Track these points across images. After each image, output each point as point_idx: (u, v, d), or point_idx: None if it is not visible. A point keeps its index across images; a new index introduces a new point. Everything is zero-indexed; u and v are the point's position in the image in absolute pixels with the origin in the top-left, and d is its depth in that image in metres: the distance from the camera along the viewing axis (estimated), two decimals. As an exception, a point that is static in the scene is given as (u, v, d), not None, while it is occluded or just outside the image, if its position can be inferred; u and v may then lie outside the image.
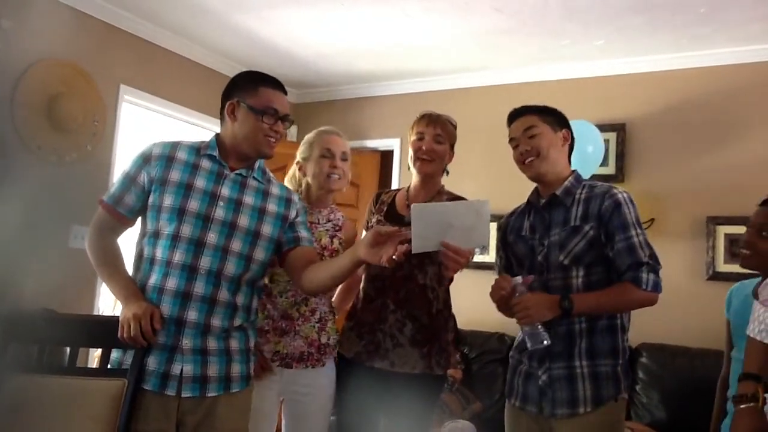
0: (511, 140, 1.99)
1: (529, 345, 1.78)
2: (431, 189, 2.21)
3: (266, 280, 2.11)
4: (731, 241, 3.41)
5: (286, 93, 1.90)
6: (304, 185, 2.28)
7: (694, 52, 3.62)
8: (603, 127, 3.72)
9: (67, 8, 3.32)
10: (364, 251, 1.66)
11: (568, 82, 3.99)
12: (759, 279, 2.09)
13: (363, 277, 2.24)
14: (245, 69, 1.99)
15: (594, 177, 3.46)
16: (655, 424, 3.17)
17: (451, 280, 2.10)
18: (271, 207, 1.89)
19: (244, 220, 1.82)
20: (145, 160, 1.82)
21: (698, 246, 3.54)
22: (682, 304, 3.33)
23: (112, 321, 1.74)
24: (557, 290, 1.84)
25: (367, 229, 2.30)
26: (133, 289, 1.76)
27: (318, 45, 3.96)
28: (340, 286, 2.30)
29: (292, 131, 4.37)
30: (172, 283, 1.73)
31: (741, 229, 2.33)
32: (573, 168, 2.01)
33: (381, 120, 4.66)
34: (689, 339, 3.32)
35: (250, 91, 1.83)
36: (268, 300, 2.14)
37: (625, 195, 1.86)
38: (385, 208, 2.26)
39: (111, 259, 1.83)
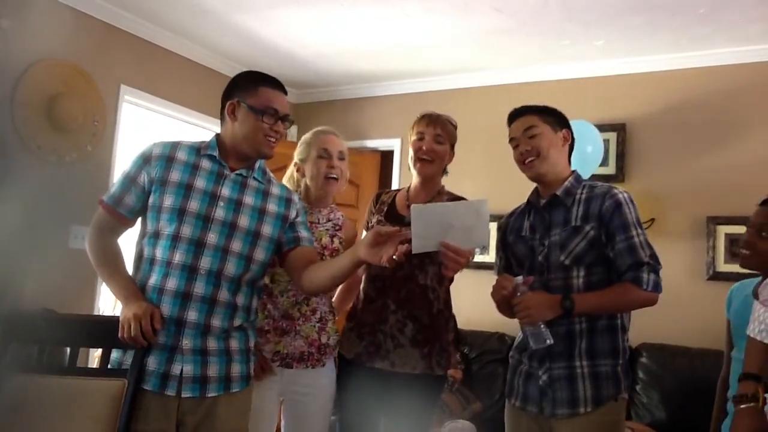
0: (511, 140, 1.99)
1: (532, 345, 1.78)
2: (431, 189, 2.21)
3: (267, 280, 2.11)
4: (731, 241, 3.41)
5: (286, 93, 1.90)
6: (302, 186, 2.28)
7: (694, 53, 3.63)
8: (603, 127, 3.72)
9: (67, 8, 3.32)
10: (364, 251, 1.66)
11: (568, 82, 3.99)
12: (759, 279, 2.09)
13: (363, 277, 2.24)
14: (245, 69, 1.99)
15: (594, 177, 3.46)
16: (655, 424, 3.18)
17: (452, 280, 2.11)
18: (272, 207, 1.89)
19: (244, 221, 1.82)
20: (145, 160, 1.82)
21: (698, 246, 3.54)
22: (683, 304, 3.33)
23: (112, 321, 1.74)
24: (558, 290, 1.84)
25: (367, 229, 2.30)
26: (133, 289, 1.76)
27: (318, 45, 3.96)
28: (339, 287, 2.30)
29: (292, 131, 4.37)
30: (172, 284, 1.73)
31: (741, 229, 2.33)
32: (572, 168, 2.01)
33: (381, 120, 4.65)
34: (689, 339, 3.32)
35: (250, 91, 1.83)
36: (269, 300, 2.14)
37: (625, 195, 1.86)
38: (385, 209, 2.26)
39: (111, 259, 1.83)
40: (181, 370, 1.72)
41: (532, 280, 1.83)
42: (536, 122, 1.94)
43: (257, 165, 1.91)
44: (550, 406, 1.84)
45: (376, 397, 2.11)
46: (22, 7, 3.10)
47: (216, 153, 1.85)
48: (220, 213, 1.79)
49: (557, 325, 1.82)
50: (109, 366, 1.77)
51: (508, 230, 2.06)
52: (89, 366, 2.58)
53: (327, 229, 2.25)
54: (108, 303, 4.27)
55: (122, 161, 3.33)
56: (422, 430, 2.10)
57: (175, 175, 1.79)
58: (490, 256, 3.34)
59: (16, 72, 3.11)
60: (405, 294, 2.11)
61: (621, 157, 3.79)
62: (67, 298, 3.08)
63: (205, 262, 1.75)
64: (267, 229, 1.86)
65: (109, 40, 3.57)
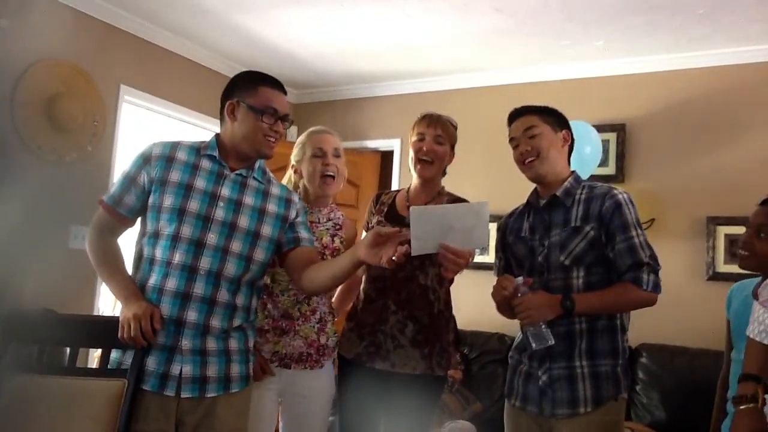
0: (511, 140, 1.99)
1: (533, 345, 1.78)
2: (432, 190, 2.21)
3: (268, 280, 2.11)
4: (731, 241, 3.41)
5: (285, 93, 1.90)
6: (301, 187, 2.28)
7: (694, 53, 3.62)
8: (603, 128, 3.72)
9: (67, 8, 3.32)
10: (363, 252, 1.66)
11: (567, 82, 3.98)
12: (759, 279, 2.09)
13: (364, 278, 2.24)
14: (245, 69, 1.99)
15: (594, 177, 3.46)
16: (655, 424, 3.17)
17: (452, 281, 2.10)
18: (271, 207, 1.89)
19: (244, 221, 1.82)
20: (145, 160, 1.82)
21: (698, 246, 3.54)
22: (682, 304, 3.33)
23: (112, 321, 1.74)
24: (558, 291, 1.84)
25: (367, 229, 2.30)
26: (133, 289, 1.76)
27: (318, 45, 3.95)
28: (339, 287, 2.30)
29: (293, 131, 4.37)
30: (171, 284, 1.73)
31: (741, 229, 2.33)
32: (571, 169, 2.01)
33: (381, 120, 4.65)
34: (689, 339, 3.31)
35: (250, 90, 1.83)
36: (269, 299, 2.14)
37: (625, 196, 1.87)
38: (385, 209, 2.26)
39: (111, 259, 1.83)
40: (181, 370, 1.72)
41: (532, 281, 1.83)
42: (536, 122, 1.94)
43: (257, 165, 1.91)
44: (549, 406, 1.84)
45: (376, 398, 2.11)
46: (22, 7, 3.10)
47: (216, 153, 1.85)
48: (219, 213, 1.79)
49: (557, 326, 1.82)
50: (108, 366, 1.77)
51: (508, 231, 2.06)
52: (89, 366, 2.58)
53: (327, 229, 2.25)
54: (108, 303, 4.27)
55: (122, 161, 3.33)
56: (422, 431, 2.10)
57: (175, 175, 1.79)
58: (490, 257, 3.34)
59: (16, 72, 3.11)
60: (405, 294, 2.11)
61: (621, 157, 3.78)
62: (67, 298, 3.08)
63: (205, 263, 1.75)
64: (267, 230, 1.86)
65: (109, 40, 3.57)
